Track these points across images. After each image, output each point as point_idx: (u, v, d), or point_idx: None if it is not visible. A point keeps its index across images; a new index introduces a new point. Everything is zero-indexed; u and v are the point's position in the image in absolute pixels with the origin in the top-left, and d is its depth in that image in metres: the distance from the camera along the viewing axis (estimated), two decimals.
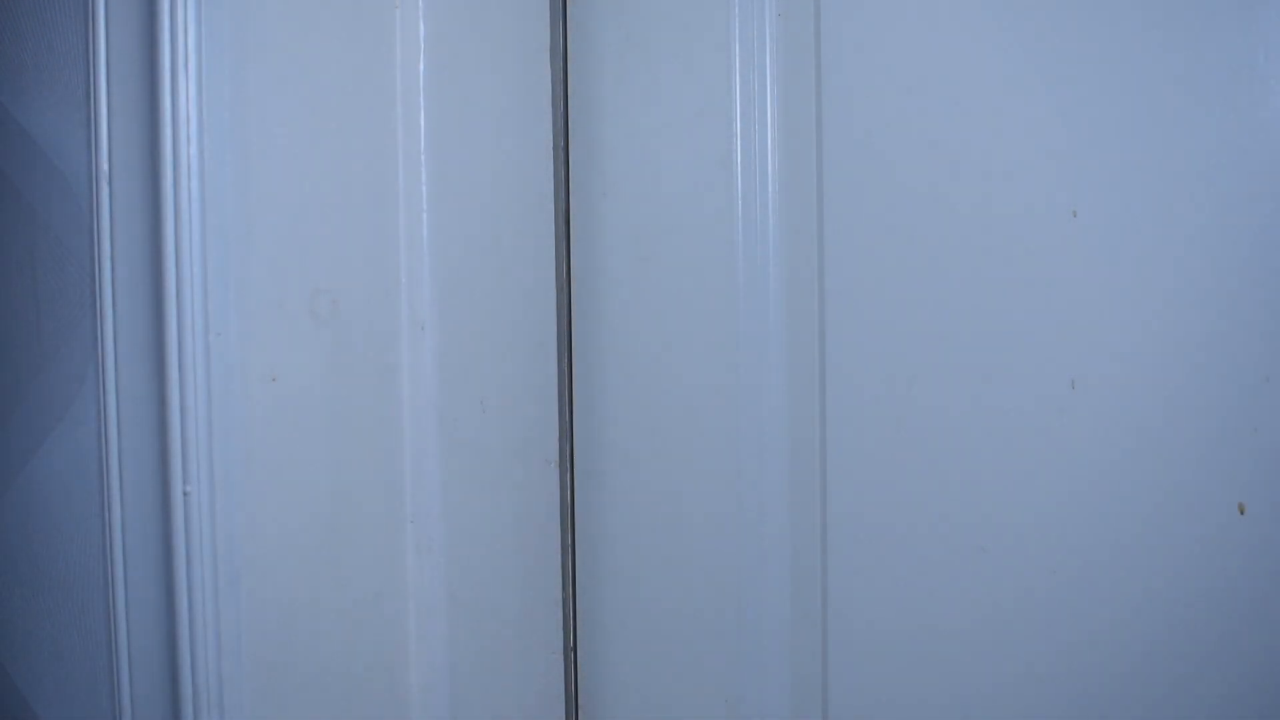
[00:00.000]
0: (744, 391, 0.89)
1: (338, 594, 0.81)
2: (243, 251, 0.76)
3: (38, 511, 0.90)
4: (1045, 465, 0.79)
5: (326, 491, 0.80)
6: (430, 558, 0.85)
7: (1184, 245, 0.74)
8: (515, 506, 0.91)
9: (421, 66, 0.84)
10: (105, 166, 0.78)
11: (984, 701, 0.82)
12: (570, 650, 0.97)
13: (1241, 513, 0.73)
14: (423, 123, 0.84)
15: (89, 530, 0.83)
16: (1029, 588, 0.80)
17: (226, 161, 0.75)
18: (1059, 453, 0.78)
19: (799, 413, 0.88)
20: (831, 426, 0.86)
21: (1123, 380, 0.76)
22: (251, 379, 0.76)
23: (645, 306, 0.93)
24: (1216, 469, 0.74)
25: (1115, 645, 0.77)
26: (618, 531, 0.96)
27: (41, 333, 0.88)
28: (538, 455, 0.92)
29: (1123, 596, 0.77)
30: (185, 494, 0.74)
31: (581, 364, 0.97)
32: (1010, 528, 0.80)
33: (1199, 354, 0.74)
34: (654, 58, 0.91)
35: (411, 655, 0.85)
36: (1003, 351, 0.80)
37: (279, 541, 0.78)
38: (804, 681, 0.89)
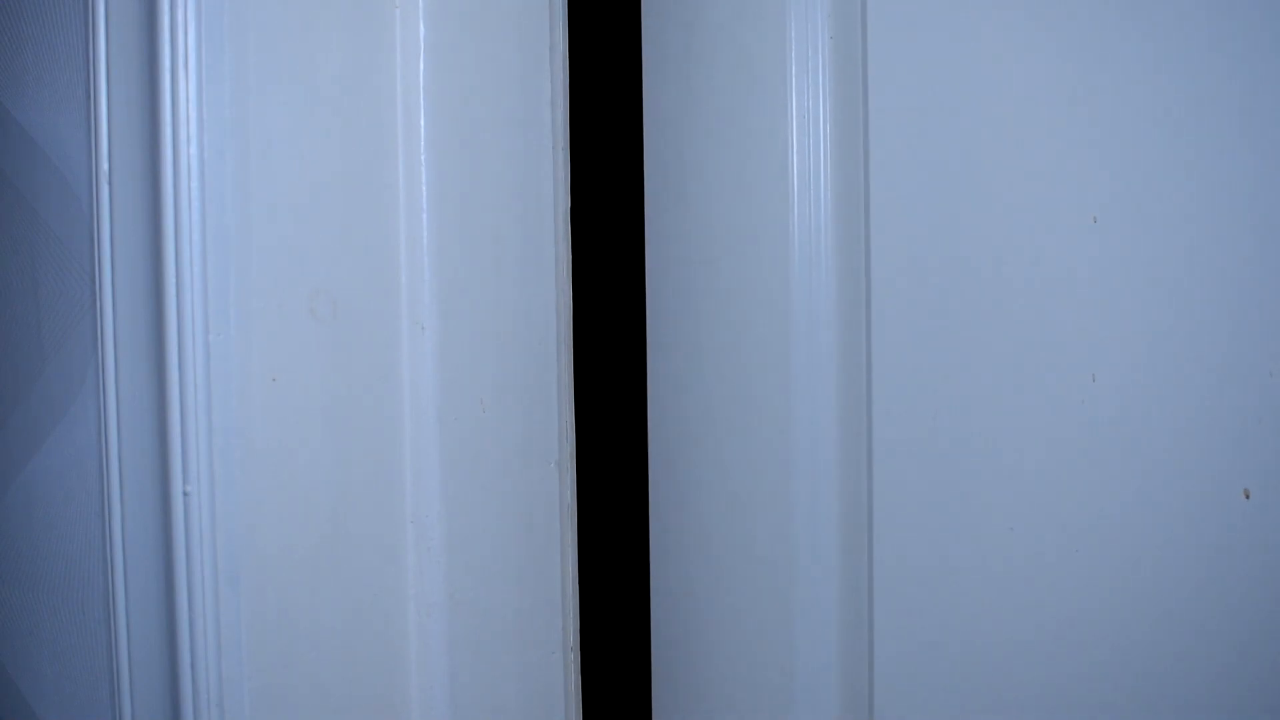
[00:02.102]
0: (798, 383, 0.97)
1: (337, 594, 0.81)
2: (243, 251, 0.76)
3: (38, 511, 0.90)
4: (1067, 452, 0.86)
5: (326, 491, 0.80)
6: (430, 558, 0.85)
7: (1194, 249, 0.82)
8: (516, 506, 0.91)
9: (421, 66, 0.84)
10: (105, 166, 0.78)
11: (1016, 668, 0.90)
12: (570, 650, 0.97)
13: (1246, 497, 0.80)
14: (423, 123, 0.84)
15: (89, 530, 0.83)
16: (1052, 565, 0.87)
17: (226, 161, 0.75)
18: (1080, 440, 0.86)
19: (848, 402, 0.95)
20: (877, 415, 0.93)
21: (1139, 374, 0.84)
22: (251, 379, 0.76)
23: (708, 305, 1.02)
24: (1224, 457, 0.81)
25: (1130, 618, 0.85)
26: (684, 517, 1.05)
27: (41, 333, 0.88)
28: (538, 455, 0.92)
29: (1138, 573, 0.84)
30: (185, 494, 0.74)
31: (656, 359, 1.06)
32: (1035, 509, 0.88)
33: (1208, 350, 0.81)
34: (718, 78, 1.01)
35: (411, 655, 0.85)
36: (1030, 347, 0.87)
37: (279, 541, 0.78)
38: (851, 651, 0.97)
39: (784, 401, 0.97)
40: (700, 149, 1.02)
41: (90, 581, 0.84)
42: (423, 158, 0.84)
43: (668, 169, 1.05)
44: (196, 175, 0.74)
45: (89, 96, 0.79)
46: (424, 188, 0.84)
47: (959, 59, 0.89)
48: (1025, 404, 0.87)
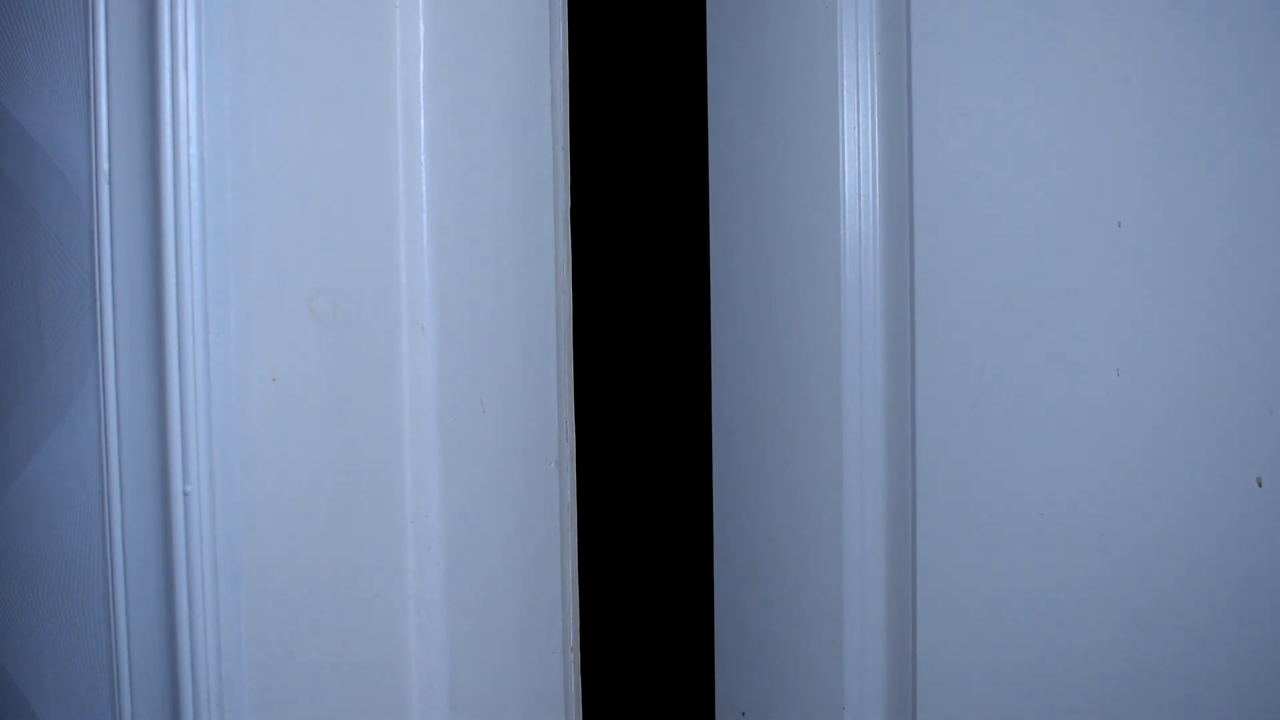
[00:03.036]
0: (847, 387, 1.04)
1: (337, 594, 0.81)
2: (243, 251, 0.76)
3: (38, 511, 0.90)
4: (1093, 442, 0.93)
5: (326, 491, 0.80)
6: (430, 558, 0.85)
7: (1210, 252, 0.87)
8: (515, 506, 0.91)
9: (421, 66, 0.84)
10: (105, 166, 0.78)
11: (1045, 650, 0.96)
12: (570, 650, 0.97)
13: (1259, 485, 0.86)
14: (423, 123, 0.84)
15: (89, 530, 0.83)
16: (1080, 548, 0.93)
17: (226, 161, 0.75)
18: (1105, 432, 0.92)
19: (893, 395, 1.02)
20: (920, 407, 1.00)
21: (1160, 369, 0.90)
22: (251, 379, 0.76)
23: (766, 305, 1.09)
24: (1238, 447, 0.87)
25: (1151, 599, 0.91)
26: (740, 508, 1.12)
27: (41, 333, 0.88)
28: (538, 455, 0.92)
29: (1158, 554, 0.91)
30: (185, 494, 0.74)
31: (719, 357, 1.13)
32: (1064, 496, 0.94)
33: (1223, 346, 0.87)
34: (776, 94, 1.08)
35: (411, 655, 0.85)
36: (1059, 344, 0.94)
37: (279, 541, 0.78)
38: (896, 631, 1.03)
39: (835, 397, 1.04)
40: (760, 160, 1.09)
41: (90, 581, 0.84)
42: (423, 158, 0.84)
43: (730, 179, 1.12)
44: (196, 175, 0.74)
45: (89, 96, 0.79)
46: (424, 188, 0.84)
47: (995, 73, 0.95)
48: (1054, 397, 0.94)
